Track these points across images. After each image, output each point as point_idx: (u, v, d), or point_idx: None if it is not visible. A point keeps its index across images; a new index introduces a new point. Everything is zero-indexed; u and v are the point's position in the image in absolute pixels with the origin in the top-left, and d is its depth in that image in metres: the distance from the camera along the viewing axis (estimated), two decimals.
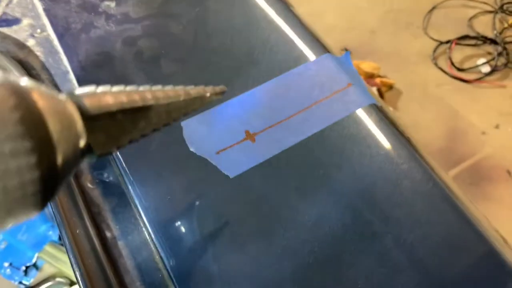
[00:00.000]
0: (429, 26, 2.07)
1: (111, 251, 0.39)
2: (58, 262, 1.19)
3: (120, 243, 0.39)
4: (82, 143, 0.16)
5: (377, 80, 1.72)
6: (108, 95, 0.18)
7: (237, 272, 0.35)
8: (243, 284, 0.34)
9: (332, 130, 0.42)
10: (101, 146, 0.18)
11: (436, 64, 2.01)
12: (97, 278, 0.37)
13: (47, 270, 1.24)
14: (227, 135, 0.41)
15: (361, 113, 0.42)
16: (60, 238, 1.26)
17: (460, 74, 1.95)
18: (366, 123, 0.42)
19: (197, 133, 0.41)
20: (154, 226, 0.37)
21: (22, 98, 0.13)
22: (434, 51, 2.00)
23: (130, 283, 0.37)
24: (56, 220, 0.40)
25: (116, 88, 0.19)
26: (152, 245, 0.39)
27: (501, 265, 0.34)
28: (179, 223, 0.37)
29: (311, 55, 0.46)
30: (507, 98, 1.85)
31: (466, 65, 1.96)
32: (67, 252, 0.39)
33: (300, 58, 0.46)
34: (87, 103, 0.17)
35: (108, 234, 0.40)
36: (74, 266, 0.38)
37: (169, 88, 0.22)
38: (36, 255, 1.21)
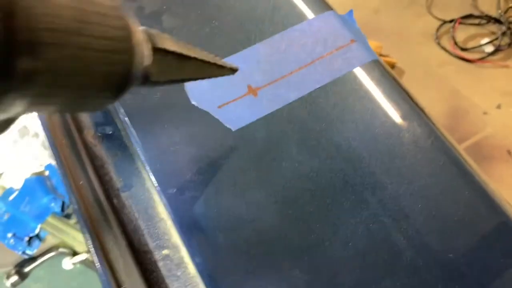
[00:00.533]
0: (432, 4, 2.05)
1: (114, 202, 0.39)
2: (60, 233, 1.21)
3: (123, 195, 0.40)
4: (146, 62, 0.21)
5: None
6: (169, 39, 0.23)
7: (237, 218, 0.35)
8: (243, 229, 0.35)
9: (335, 85, 0.42)
10: (156, 75, 0.23)
11: (439, 44, 1.99)
12: (101, 227, 0.38)
13: (50, 241, 1.25)
14: (229, 89, 0.41)
15: (363, 69, 0.42)
16: (62, 210, 1.27)
17: (463, 54, 1.93)
18: (369, 79, 0.42)
19: (199, 87, 0.41)
20: (158, 176, 0.38)
21: (125, 18, 0.19)
22: (438, 30, 1.98)
23: (133, 231, 0.38)
24: (60, 172, 0.41)
25: (173, 38, 0.24)
26: (155, 196, 0.39)
27: (498, 214, 0.35)
28: (182, 173, 0.38)
29: (314, 12, 0.46)
30: (510, 78, 1.84)
31: (469, 45, 1.94)
32: (72, 203, 0.40)
33: (303, 15, 0.46)
34: (156, 37, 0.22)
35: (111, 186, 0.40)
36: (78, 216, 0.39)
37: (206, 52, 0.27)
38: (39, 226, 1.23)
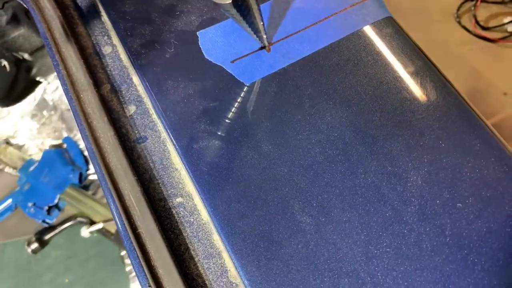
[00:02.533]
0: None
1: (130, 152, 0.41)
2: (78, 203, 1.24)
3: (139, 146, 0.41)
4: None
5: None
6: None
7: (249, 167, 0.36)
8: (254, 177, 0.36)
9: (349, 41, 0.42)
10: None
11: (459, 23, 1.94)
12: (118, 176, 0.39)
13: (69, 211, 1.29)
14: (242, 44, 0.42)
15: (378, 25, 0.42)
16: (80, 181, 1.31)
17: (484, 33, 1.87)
18: (383, 35, 0.42)
19: (213, 42, 0.42)
20: (172, 128, 0.39)
21: None
22: (458, 9, 1.93)
23: (149, 180, 0.39)
24: (79, 126, 0.42)
25: None
26: (170, 147, 0.40)
27: (508, 165, 0.35)
28: (196, 125, 0.38)
29: None
30: None
31: (491, 24, 1.88)
32: (89, 154, 0.41)
33: None
34: None
35: (127, 138, 0.41)
36: (96, 166, 0.40)
37: None
38: (58, 196, 1.27)
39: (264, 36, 0.39)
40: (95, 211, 1.26)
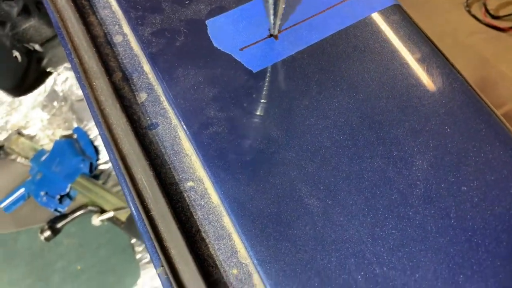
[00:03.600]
0: None
1: (142, 139, 0.42)
2: (89, 192, 1.27)
3: (151, 133, 0.42)
4: None
5: None
6: None
7: (258, 151, 0.37)
8: (264, 161, 0.37)
9: (356, 28, 0.42)
10: None
11: (469, 12, 1.91)
12: (130, 162, 0.40)
13: (80, 200, 1.32)
14: (251, 32, 0.43)
15: (385, 13, 0.43)
16: (90, 171, 1.33)
17: (494, 22, 1.85)
18: (390, 22, 0.42)
19: (221, 30, 0.43)
20: (183, 114, 0.40)
21: None
22: None
23: (160, 165, 0.41)
24: (92, 113, 0.43)
25: None
26: (180, 133, 0.41)
27: None
28: (205, 111, 0.39)
29: None
30: None
31: (502, 12, 1.85)
32: (103, 141, 0.42)
33: None
34: None
35: (139, 125, 0.43)
36: (109, 152, 0.41)
37: None
38: (69, 185, 1.29)
39: (279, 23, 0.39)
40: (105, 200, 1.28)
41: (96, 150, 1.40)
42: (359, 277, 0.33)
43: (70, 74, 1.42)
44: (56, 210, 1.32)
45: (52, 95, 1.44)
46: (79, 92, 1.43)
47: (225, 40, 0.42)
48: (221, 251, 0.37)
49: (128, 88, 0.45)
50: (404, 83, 0.39)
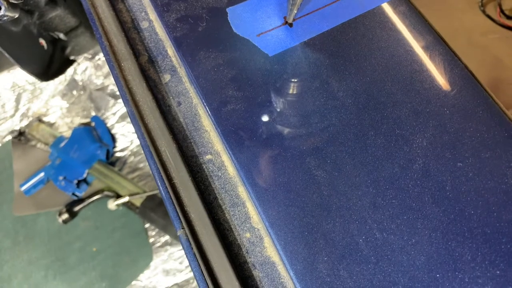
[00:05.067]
0: None
1: (166, 115, 0.46)
2: (106, 178, 1.32)
3: (174, 110, 0.46)
4: None
5: None
6: None
7: (271, 128, 0.41)
8: (275, 138, 0.40)
9: (364, 18, 0.45)
10: None
11: (484, 11, 1.91)
12: (155, 135, 0.44)
13: (97, 185, 1.37)
14: (267, 20, 0.46)
15: (392, 4, 0.46)
16: (107, 158, 1.38)
17: (509, 22, 1.84)
18: (396, 12, 0.45)
19: (240, 18, 0.46)
20: (204, 93, 0.43)
21: None
22: None
23: (182, 140, 0.44)
24: (120, 92, 0.47)
25: None
26: (200, 111, 0.45)
27: (507, 130, 0.39)
28: (224, 90, 0.43)
29: None
30: None
31: None
32: (130, 116, 0.46)
33: None
34: None
35: (163, 103, 0.47)
36: (136, 127, 0.45)
37: None
38: (86, 171, 1.34)
39: (295, 12, 0.43)
40: (121, 186, 1.33)
41: (113, 138, 1.45)
42: (361, 240, 0.36)
43: (90, 64, 1.48)
44: (73, 194, 1.37)
45: (72, 84, 1.50)
46: (97, 82, 1.48)
47: (244, 27, 0.46)
48: (235, 216, 0.41)
49: (153, 70, 0.49)
50: (408, 68, 0.42)
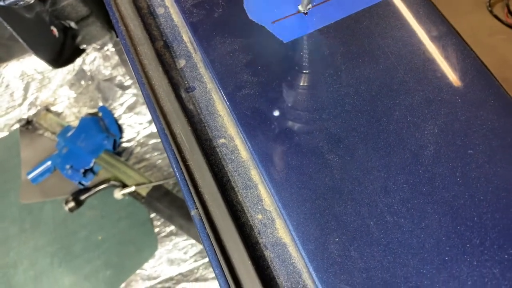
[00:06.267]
0: None
1: (180, 99, 0.47)
2: (112, 167, 1.33)
3: (188, 94, 0.47)
4: None
5: None
6: None
7: (284, 113, 0.42)
8: (288, 122, 0.41)
9: (378, 7, 0.46)
10: None
11: (491, 12, 1.91)
12: (171, 118, 0.45)
13: (103, 175, 1.38)
14: (282, 8, 0.47)
15: None
16: (114, 148, 1.39)
17: None
18: (411, 2, 0.46)
19: (256, 4, 0.47)
20: (219, 77, 0.44)
21: None
22: None
23: (197, 123, 0.45)
24: (136, 75, 0.48)
25: None
26: (215, 96, 0.46)
27: None
28: (239, 75, 0.44)
29: None
30: None
31: None
32: (145, 100, 0.47)
33: None
34: None
35: (178, 87, 0.47)
36: (152, 110, 0.46)
37: None
38: (93, 160, 1.35)
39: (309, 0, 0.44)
40: (127, 176, 1.34)
41: (120, 128, 1.47)
42: (372, 223, 0.37)
43: (98, 55, 1.49)
44: (80, 183, 1.39)
45: (80, 74, 1.51)
46: (106, 72, 1.49)
47: (259, 13, 0.47)
48: (248, 198, 0.42)
49: (169, 55, 0.50)
50: (421, 57, 0.43)
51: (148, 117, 1.44)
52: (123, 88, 1.48)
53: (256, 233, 0.41)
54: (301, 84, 0.43)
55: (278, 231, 0.40)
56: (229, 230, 0.39)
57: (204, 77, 0.48)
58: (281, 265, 0.39)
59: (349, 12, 0.46)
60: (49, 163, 1.42)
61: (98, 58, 1.49)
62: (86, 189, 1.38)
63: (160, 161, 1.40)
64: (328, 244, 0.36)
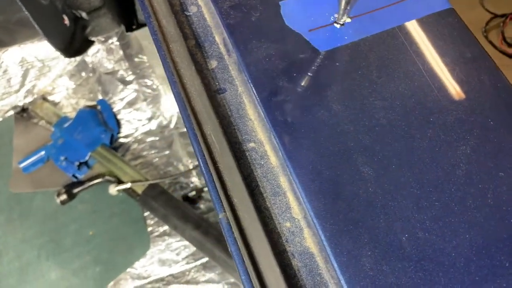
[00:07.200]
0: None
1: (211, 100, 0.46)
2: (108, 162, 1.31)
3: (219, 96, 0.47)
4: None
5: None
6: None
7: (320, 122, 0.42)
8: (324, 131, 0.41)
9: (414, 25, 0.47)
10: None
11: (486, 37, 1.96)
12: (202, 118, 0.44)
13: (97, 169, 1.36)
14: (320, 17, 0.47)
15: (441, 14, 0.47)
16: (111, 142, 1.37)
17: (509, 50, 1.89)
18: (445, 23, 0.47)
19: (294, 12, 0.47)
20: (254, 81, 0.44)
21: None
22: (487, 23, 1.94)
23: (227, 125, 0.45)
24: (167, 73, 0.47)
25: None
26: (245, 99, 0.46)
27: None
28: (275, 80, 0.44)
29: None
30: None
31: None
32: (176, 98, 0.46)
33: None
34: None
35: (209, 88, 0.47)
36: (182, 109, 0.45)
37: None
38: (89, 153, 1.33)
39: (346, 12, 0.44)
40: (123, 172, 1.32)
41: (118, 123, 1.44)
42: (404, 238, 0.37)
43: (102, 47, 1.46)
44: (73, 175, 1.36)
45: (82, 65, 1.48)
46: (108, 66, 1.47)
47: (296, 21, 0.47)
48: (276, 205, 0.42)
49: (201, 55, 0.49)
50: (454, 77, 0.44)
51: (148, 114, 1.43)
52: (125, 83, 1.46)
53: (284, 241, 0.40)
54: (336, 95, 0.43)
55: (306, 240, 0.40)
56: (258, 236, 0.39)
57: (236, 80, 0.47)
58: (308, 275, 0.39)
59: (385, 27, 0.46)
60: (42, 153, 1.39)
61: (101, 50, 1.47)
62: (80, 183, 1.35)
63: (156, 159, 1.38)
64: (361, 257, 0.36)
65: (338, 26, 0.46)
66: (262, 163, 0.43)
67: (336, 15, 0.47)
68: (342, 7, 0.43)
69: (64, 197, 1.31)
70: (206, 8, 0.51)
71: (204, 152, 0.42)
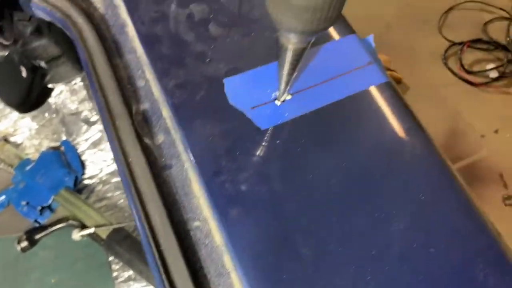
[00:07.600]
0: (444, 25, 2.11)
1: (157, 178, 0.47)
2: (72, 206, 1.28)
3: (165, 173, 0.47)
4: None
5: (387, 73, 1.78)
6: None
7: (263, 202, 0.43)
8: (265, 211, 0.42)
9: (351, 100, 0.49)
10: None
11: (446, 64, 2.06)
12: (145, 198, 0.45)
13: (61, 212, 1.32)
14: (262, 94, 0.49)
15: (377, 89, 0.50)
16: (75, 185, 1.34)
17: (468, 77, 1.99)
18: (381, 97, 0.49)
19: (237, 89, 0.49)
20: (197, 161, 0.45)
21: None
22: (446, 51, 2.04)
23: (172, 204, 0.46)
24: (113, 150, 0.48)
25: None
26: (191, 176, 0.47)
27: (482, 232, 0.43)
28: (218, 159, 0.45)
29: (339, 34, 0.53)
30: (509, 105, 1.90)
31: (475, 68, 2.00)
32: (121, 176, 0.47)
33: (329, 36, 0.53)
34: None
35: (155, 165, 0.48)
36: (127, 188, 0.46)
37: None
38: (52, 197, 1.30)
39: (286, 90, 0.45)
40: (87, 215, 1.29)
41: (82, 165, 1.42)
42: None
43: (65, 88, 1.45)
44: (36, 221, 1.32)
45: (45, 106, 1.45)
46: (72, 107, 1.46)
47: (239, 98, 0.48)
48: (220, 287, 0.42)
49: (148, 129, 0.50)
50: (389, 153, 0.46)
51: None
52: (89, 123, 1.44)
53: None
54: (276, 173, 0.45)
55: None
56: None
57: (182, 156, 0.48)
58: None
59: (324, 102, 0.49)
60: (3, 197, 1.35)
61: (65, 91, 1.45)
62: (42, 228, 1.31)
63: (121, 201, 1.36)
64: None
65: (278, 103, 0.48)
66: (207, 242, 0.44)
67: (277, 93, 0.49)
68: (282, 86, 0.45)
69: (25, 244, 1.27)
70: (153, 82, 0.52)
71: (147, 234, 0.43)
